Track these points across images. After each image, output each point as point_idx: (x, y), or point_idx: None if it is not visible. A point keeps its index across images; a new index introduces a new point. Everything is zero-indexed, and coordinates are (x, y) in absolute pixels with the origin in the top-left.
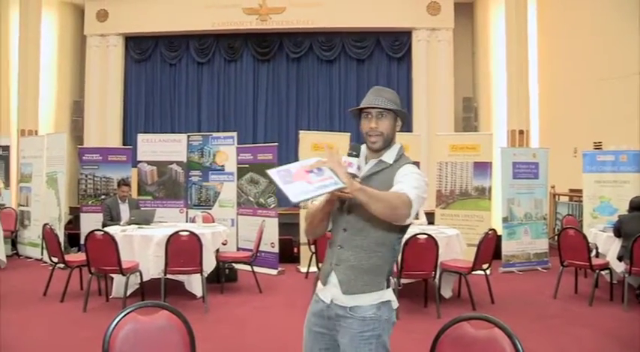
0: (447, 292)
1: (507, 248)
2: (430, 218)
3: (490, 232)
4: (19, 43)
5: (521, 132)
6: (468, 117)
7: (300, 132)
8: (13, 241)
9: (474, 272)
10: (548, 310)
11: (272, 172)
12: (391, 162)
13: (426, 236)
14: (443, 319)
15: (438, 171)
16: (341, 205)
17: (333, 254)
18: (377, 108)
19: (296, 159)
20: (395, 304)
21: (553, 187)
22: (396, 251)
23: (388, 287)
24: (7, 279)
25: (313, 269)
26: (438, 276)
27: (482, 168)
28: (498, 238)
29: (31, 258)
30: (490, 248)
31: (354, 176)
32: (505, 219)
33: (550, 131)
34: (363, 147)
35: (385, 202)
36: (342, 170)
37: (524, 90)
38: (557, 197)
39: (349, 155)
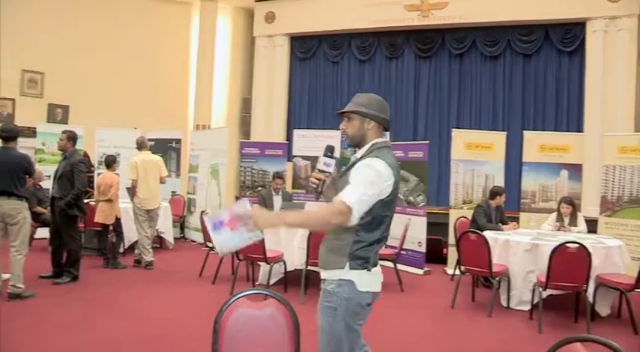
0: (603, 309)
1: None
2: (592, 226)
3: None
4: (198, 46)
5: None
6: None
7: (453, 130)
8: (182, 225)
9: (638, 290)
10: None
11: (206, 218)
12: (359, 157)
13: (577, 245)
14: None
15: (605, 175)
16: None
17: None
18: (342, 112)
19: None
20: (364, 287)
21: None
22: (361, 237)
23: (354, 269)
24: (172, 259)
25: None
26: (592, 291)
27: None
28: None
29: (195, 241)
30: None
31: (325, 172)
32: None
33: None
34: None
35: (314, 222)
36: (263, 221)
37: None
38: None
39: (325, 155)
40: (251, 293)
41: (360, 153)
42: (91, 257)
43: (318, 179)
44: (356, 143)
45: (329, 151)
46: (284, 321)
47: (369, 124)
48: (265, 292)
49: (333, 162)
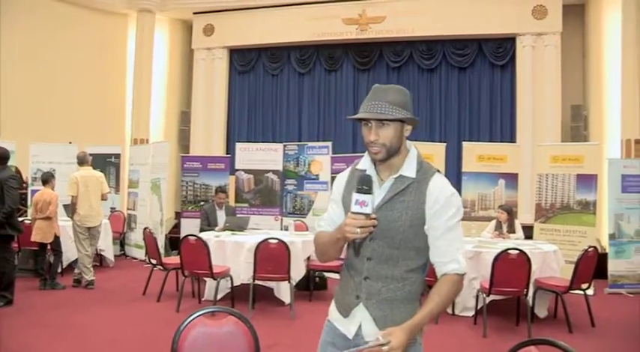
0: (541, 311)
1: (615, 267)
2: (528, 232)
3: (590, 249)
4: (135, 59)
5: (637, 141)
6: (577, 126)
7: None
8: (122, 242)
9: (573, 292)
10: None
11: None
12: (414, 176)
13: (517, 251)
14: None
15: (538, 183)
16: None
17: (359, 286)
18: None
19: None
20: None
21: None
22: (427, 270)
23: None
24: (113, 278)
25: None
26: (531, 294)
27: (587, 180)
28: (603, 256)
29: (136, 258)
30: (590, 266)
31: (367, 215)
32: (612, 236)
33: None
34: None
35: (446, 305)
36: (406, 342)
37: None
38: None
39: (359, 191)
40: (209, 312)
41: (408, 170)
42: (26, 278)
43: (363, 227)
44: (392, 155)
45: (364, 184)
46: (244, 338)
47: (407, 129)
48: (225, 310)
49: (369, 199)
